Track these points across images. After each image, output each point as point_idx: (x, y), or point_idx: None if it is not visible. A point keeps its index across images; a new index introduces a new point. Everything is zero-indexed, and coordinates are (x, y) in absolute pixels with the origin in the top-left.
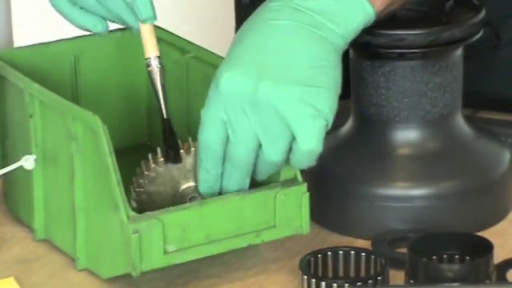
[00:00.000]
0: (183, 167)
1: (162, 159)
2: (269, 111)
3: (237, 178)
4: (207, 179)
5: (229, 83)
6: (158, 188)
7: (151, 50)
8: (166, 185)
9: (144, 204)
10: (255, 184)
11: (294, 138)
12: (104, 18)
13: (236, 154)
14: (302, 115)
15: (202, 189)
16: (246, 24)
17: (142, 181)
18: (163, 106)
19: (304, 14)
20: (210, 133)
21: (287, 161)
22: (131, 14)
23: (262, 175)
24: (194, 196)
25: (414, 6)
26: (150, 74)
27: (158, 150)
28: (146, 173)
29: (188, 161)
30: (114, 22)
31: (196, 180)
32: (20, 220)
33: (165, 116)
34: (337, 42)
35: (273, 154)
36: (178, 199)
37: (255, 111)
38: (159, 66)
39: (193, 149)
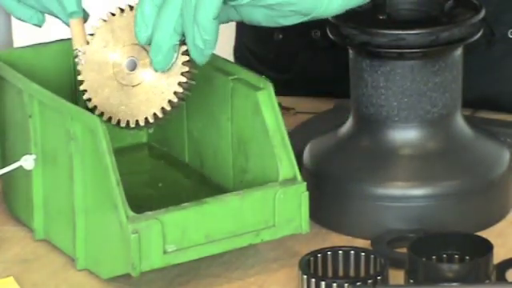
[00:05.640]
0: None
1: None
2: None
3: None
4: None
5: None
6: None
7: (78, 41)
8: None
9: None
10: (255, 184)
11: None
12: (41, 11)
13: None
14: None
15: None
16: None
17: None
18: None
19: None
20: None
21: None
22: (61, 8)
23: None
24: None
25: (414, 6)
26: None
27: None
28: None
29: None
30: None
31: None
32: (20, 220)
33: None
34: None
35: None
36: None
37: None
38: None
39: None
